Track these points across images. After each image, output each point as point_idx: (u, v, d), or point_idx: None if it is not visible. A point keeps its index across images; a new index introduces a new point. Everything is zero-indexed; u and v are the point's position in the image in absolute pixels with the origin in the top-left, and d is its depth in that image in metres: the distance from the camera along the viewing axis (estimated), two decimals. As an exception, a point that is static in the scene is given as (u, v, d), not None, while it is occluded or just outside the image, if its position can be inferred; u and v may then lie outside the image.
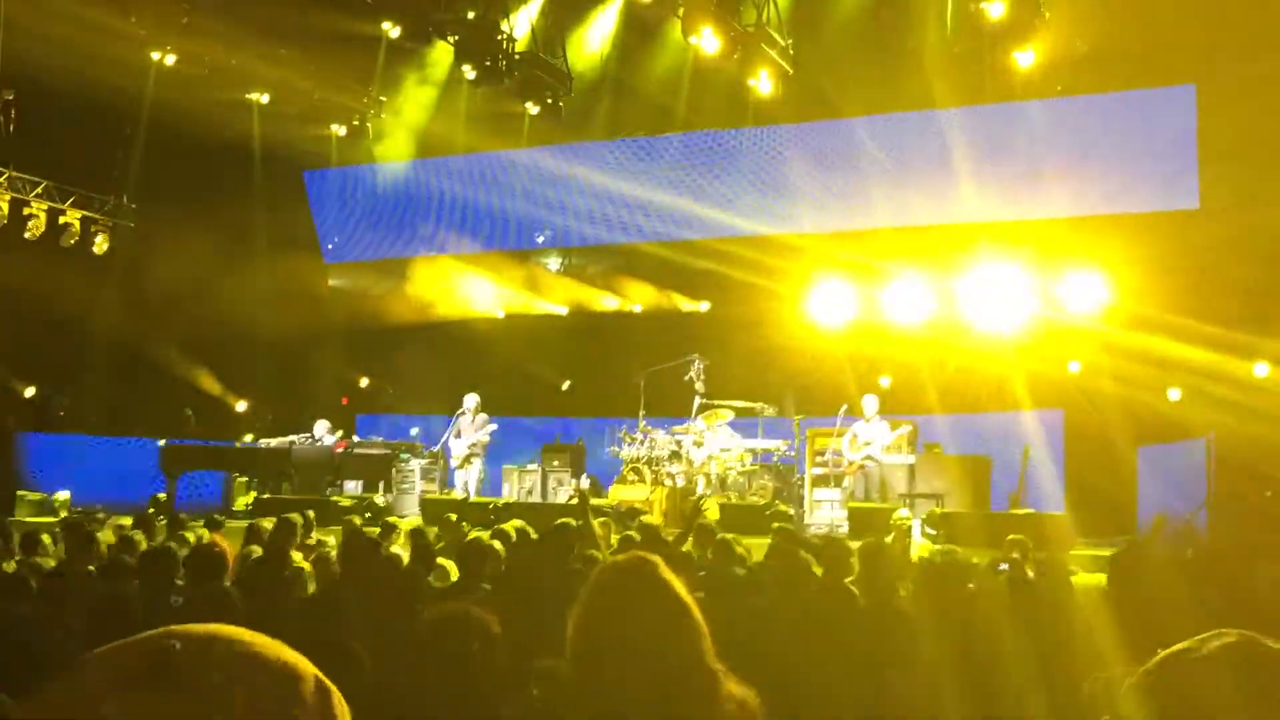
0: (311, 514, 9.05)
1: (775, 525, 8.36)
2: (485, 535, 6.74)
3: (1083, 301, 13.66)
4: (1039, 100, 14.55)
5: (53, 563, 6.51)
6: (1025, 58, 13.02)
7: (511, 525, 8.10)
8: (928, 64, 14.04)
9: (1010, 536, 7.27)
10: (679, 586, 2.18)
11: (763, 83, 13.37)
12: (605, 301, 18.02)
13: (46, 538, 7.40)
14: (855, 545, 5.38)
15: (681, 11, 12.78)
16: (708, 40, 12.66)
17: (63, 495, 13.94)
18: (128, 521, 9.27)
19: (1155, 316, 12.29)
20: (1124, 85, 14.17)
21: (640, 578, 2.20)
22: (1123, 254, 13.17)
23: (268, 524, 8.09)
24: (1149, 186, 14.11)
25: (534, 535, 7.40)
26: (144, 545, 6.95)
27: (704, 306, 17.21)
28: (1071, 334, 13.70)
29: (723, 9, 12.68)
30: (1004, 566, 6.16)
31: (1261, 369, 12.32)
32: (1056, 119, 14.68)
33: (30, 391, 17.30)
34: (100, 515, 11.65)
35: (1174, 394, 13.34)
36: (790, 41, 13.47)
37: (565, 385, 18.02)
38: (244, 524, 9.10)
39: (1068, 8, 13.00)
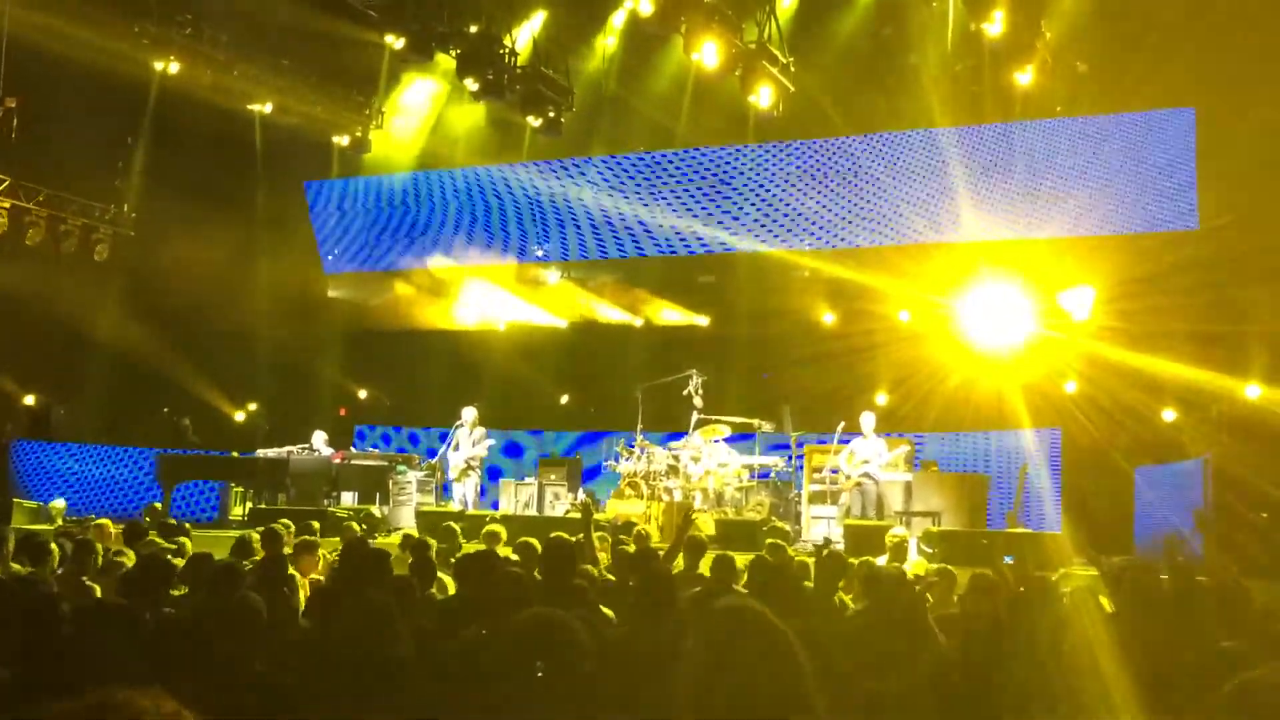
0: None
1: (769, 541, 8.33)
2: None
3: (1080, 321, 13.67)
4: (1038, 120, 14.62)
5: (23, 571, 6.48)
6: (1025, 77, 13.07)
7: (498, 528, 8.09)
8: (928, 83, 14.12)
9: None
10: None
11: (763, 100, 13.41)
12: (605, 315, 18.02)
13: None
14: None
15: (684, 27, 12.81)
16: (709, 55, 12.69)
17: (59, 504, 13.90)
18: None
19: (1153, 337, 12.31)
20: (1123, 106, 14.22)
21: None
22: (1121, 274, 13.19)
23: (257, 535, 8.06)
24: (1148, 207, 14.16)
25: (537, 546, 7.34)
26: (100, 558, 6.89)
27: (703, 321, 17.23)
28: (1069, 353, 13.71)
29: (725, 25, 12.72)
30: (1009, 559, 6.16)
31: (1254, 390, 12.32)
32: (1055, 139, 14.74)
33: (29, 399, 17.28)
34: (95, 524, 11.61)
35: (1169, 415, 13.36)
36: (791, 59, 13.52)
37: (563, 399, 18.02)
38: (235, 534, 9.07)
39: (1068, 28, 13.06)
